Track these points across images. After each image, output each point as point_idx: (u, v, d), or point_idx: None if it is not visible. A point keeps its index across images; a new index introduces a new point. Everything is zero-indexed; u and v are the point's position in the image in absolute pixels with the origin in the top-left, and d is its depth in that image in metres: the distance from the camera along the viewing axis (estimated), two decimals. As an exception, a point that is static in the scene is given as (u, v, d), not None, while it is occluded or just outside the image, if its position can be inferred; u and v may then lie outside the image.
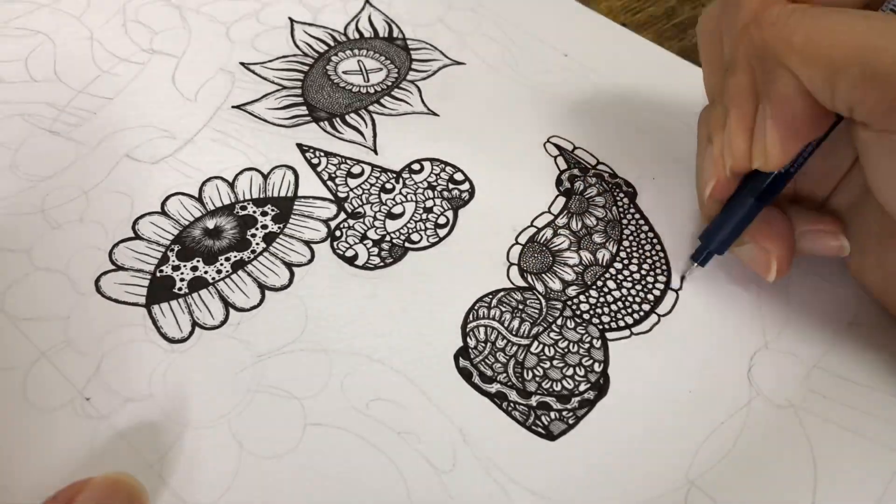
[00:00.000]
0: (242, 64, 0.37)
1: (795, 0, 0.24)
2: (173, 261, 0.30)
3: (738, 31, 0.25)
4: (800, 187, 0.30)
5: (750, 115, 0.25)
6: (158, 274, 0.29)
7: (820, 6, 0.23)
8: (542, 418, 0.27)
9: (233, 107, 0.35)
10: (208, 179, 0.32)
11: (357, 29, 0.40)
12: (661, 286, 0.31)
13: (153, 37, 0.38)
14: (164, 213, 0.31)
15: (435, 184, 0.33)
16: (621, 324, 0.29)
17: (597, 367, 0.28)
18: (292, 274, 0.30)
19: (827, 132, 0.26)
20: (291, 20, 0.40)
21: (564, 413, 0.27)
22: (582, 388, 0.28)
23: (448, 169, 0.34)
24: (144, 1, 0.40)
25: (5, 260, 0.29)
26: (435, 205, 0.32)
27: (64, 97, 0.35)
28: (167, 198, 0.31)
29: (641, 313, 0.30)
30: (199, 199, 0.32)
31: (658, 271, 0.31)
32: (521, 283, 0.30)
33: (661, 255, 0.32)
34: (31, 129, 0.33)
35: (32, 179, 0.32)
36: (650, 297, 0.30)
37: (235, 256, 0.30)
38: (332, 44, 0.39)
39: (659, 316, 0.30)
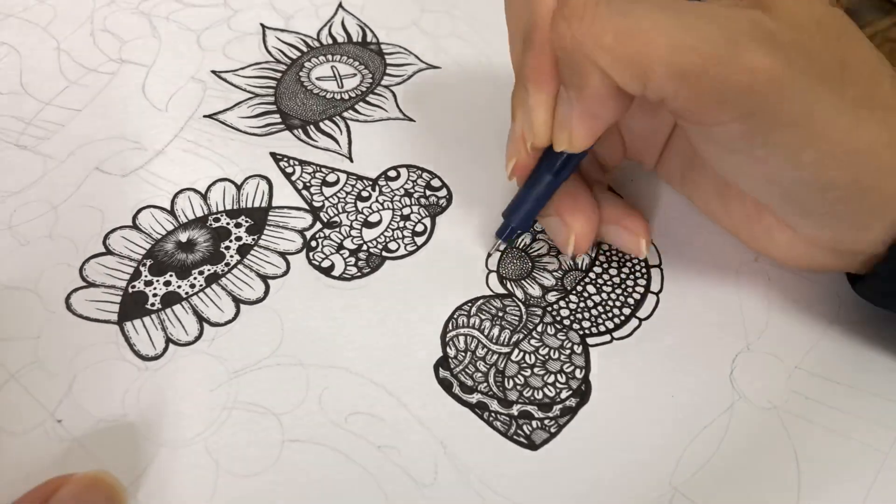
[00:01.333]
0: (214, 72, 0.37)
1: None
2: (146, 276, 0.29)
3: (539, 10, 0.24)
4: (629, 150, 0.31)
5: (550, 97, 0.25)
6: (131, 290, 0.29)
7: None
8: (524, 427, 0.26)
9: (204, 116, 0.35)
10: (180, 191, 0.32)
11: (330, 34, 0.39)
12: (641, 290, 0.30)
13: (122, 46, 0.37)
14: (135, 226, 0.30)
15: (412, 191, 0.33)
16: (602, 329, 0.29)
17: (578, 374, 0.28)
18: (267, 286, 0.29)
19: None
20: (263, 26, 0.39)
21: (546, 422, 0.27)
22: (563, 395, 0.27)
23: (425, 175, 0.33)
24: (113, 9, 0.39)
25: (-28, 279, 0.28)
26: (412, 212, 0.32)
27: (31, 110, 0.34)
28: (138, 211, 0.31)
29: (622, 317, 0.30)
30: (172, 212, 0.31)
31: (638, 275, 0.31)
32: (501, 291, 0.30)
33: (642, 258, 0.31)
34: (-2, 144, 0.33)
35: (0, 195, 0.31)
36: (630, 300, 0.30)
37: (209, 270, 0.29)
38: (304, 50, 0.38)
39: (640, 320, 0.30)
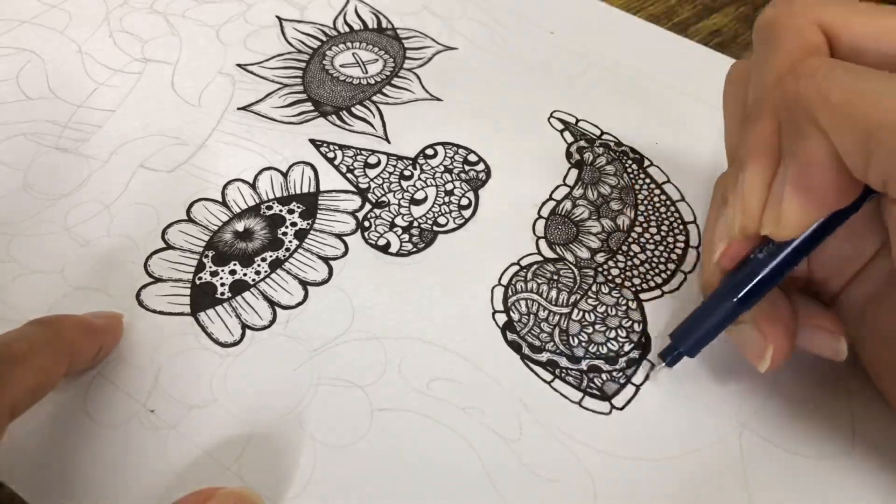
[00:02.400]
0: (239, 65, 0.37)
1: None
2: (210, 266, 0.30)
3: (767, 80, 0.23)
4: (813, 275, 0.27)
5: (769, 171, 0.22)
6: (198, 281, 0.29)
7: (865, 66, 0.21)
8: (595, 380, 0.28)
9: (238, 108, 0.35)
10: (229, 182, 0.32)
11: (346, 22, 0.40)
12: (682, 245, 0.32)
13: (143, 45, 0.37)
14: (190, 220, 0.31)
15: (451, 167, 0.34)
16: (652, 284, 0.31)
17: (637, 328, 0.29)
18: (330, 268, 0.30)
19: (844, 213, 0.23)
20: (280, 18, 0.40)
21: (615, 373, 0.28)
22: (626, 348, 0.29)
23: (461, 151, 0.34)
24: (127, 10, 0.39)
25: (40, 282, 0.29)
26: (455, 187, 0.33)
27: (64, 113, 0.34)
28: (191, 204, 0.31)
29: (668, 272, 0.31)
30: (224, 203, 0.32)
31: (677, 231, 0.32)
32: (552, 255, 0.31)
33: (677, 215, 0.33)
34: (38, 148, 0.33)
35: (50, 198, 0.31)
36: (673, 255, 0.32)
37: (271, 256, 0.30)
38: (323, 39, 0.39)
39: (685, 273, 0.31)
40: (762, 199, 0.22)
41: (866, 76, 0.20)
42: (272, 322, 0.28)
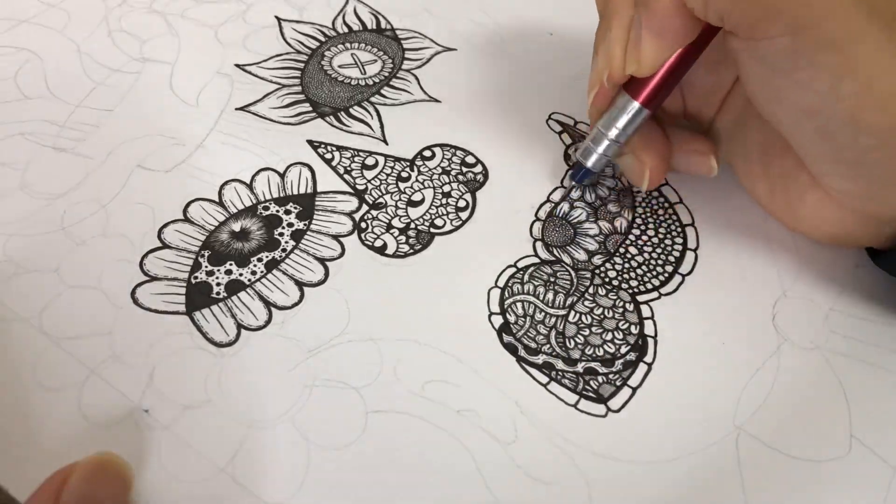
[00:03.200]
0: (238, 65, 0.37)
1: None
2: (206, 266, 0.30)
3: None
4: (688, 107, 0.32)
5: (627, 26, 0.27)
6: (194, 280, 0.29)
7: None
8: (591, 383, 0.28)
9: (236, 109, 0.35)
10: (226, 183, 0.32)
11: (345, 23, 0.40)
12: (680, 248, 0.32)
13: (142, 45, 0.37)
14: (187, 219, 0.31)
15: (449, 168, 0.34)
16: (649, 286, 0.31)
17: (634, 330, 0.29)
18: (326, 269, 0.30)
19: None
20: (278, 18, 0.40)
21: (611, 376, 0.28)
22: (623, 350, 0.29)
23: (459, 153, 0.34)
24: (126, 10, 0.39)
25: (35, 281, 0.29)
26: (453, 189, 0.33)
27: (62, 112, 0.34)
28: (188, 204, 0.31)
29: (666, 275, 0.31)
30: (221, 203, 0.32)
31: (674, 233, 0.32)
32: (548, 257, 0.31)
33: (675, 217, 0.33)
34: (35, 148, 0.33)
35: (47, 197, 0.31)
36: (671, 258, 0.32)
37: (267, 256, 0.30)
38: (322, 39, 0.39)
39: (682, 276, 0.31)
40: (623, 50, 0.27)
41: None
42: (268, 322, 0.28)
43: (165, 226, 0.31)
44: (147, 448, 0.25)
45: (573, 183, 0.32)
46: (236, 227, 0.31)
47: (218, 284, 0.29)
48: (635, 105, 0.29)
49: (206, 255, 0.30)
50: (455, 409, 0.27)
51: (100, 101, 0.35)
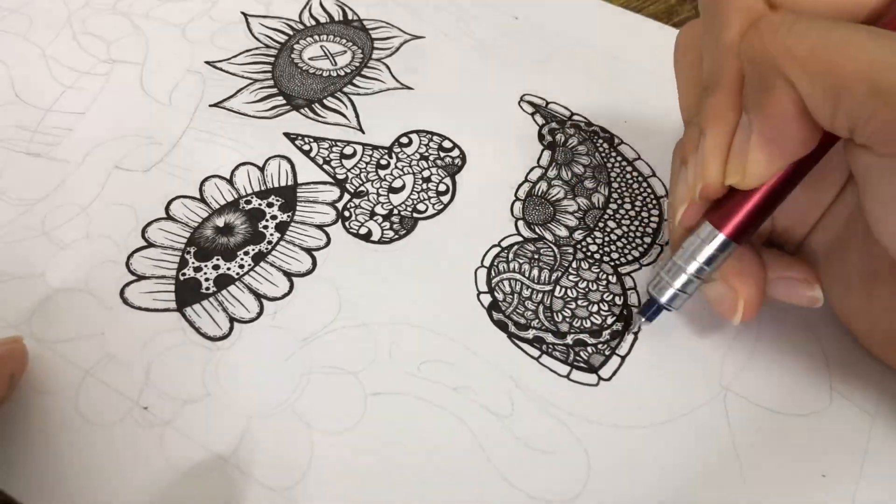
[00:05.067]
0: (208, 62, 0.37)
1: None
2: (193, 262, 0.30)
3: (721, 47, 0.23)
4: (777, 224, 0.28)
5: (728, 133, 0.23)
6: (182, 277, 0.29)
7: (824, 18, 0.21)
8: (581, 354, 0.29)
9: (210, 105, 0.35)
10: (206, 179, 0.32)
11: (311, 15, 0.40)
12: (656, 219, 0.33)
13: (109, 46, 0.37)
14: (170, 217, 0.31)
15: (426, 154, 0.34)
16: (629, 258, 0.31)
17: (618, 300, 0.30)
18: (314, 258, 0.30)
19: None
20: (245, 14, 0.39)
21: (600, 346, 0.29)
22: (609, 321, 0.30)
23: (435, 138, 0.35)
24: (89, 12, 0.39)
25: (21, 287, 0.28)
26: (432, 174, 0.33)
27: (33, 118, 0.34)
28: (169, 202, 0.31)
29: (645, 246, 0.32)
30: (202, 199, 0.32)
31: (650, 206, 0.33)
32: (531, 235, 0.32)
33: (649, 190, 0.34)
34: (8, 154, 0.32)
35: (25, 203, 0.31)
36: (648, 230, 0.32)
37: (254, 249, 0.30)
38: (290, 33, 0.39)
39: (661, 246, 0.32)
40: (723, 159, 0.24)
41: (830, 27, 0.21)
42: (259, 314, 0.28)
43: (149, 224, 0.31)
44: (150, 444, 0.25)
45: (642, 319, 0.28)
46: (220, 222, 0.31)
47: (206, 280, 0.29)
48: (720, 237, 0.25)
49: (192, 251, 0.30)
50: (451, 386, 0.27)
51: (70, 105, 0.34)
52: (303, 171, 0.33)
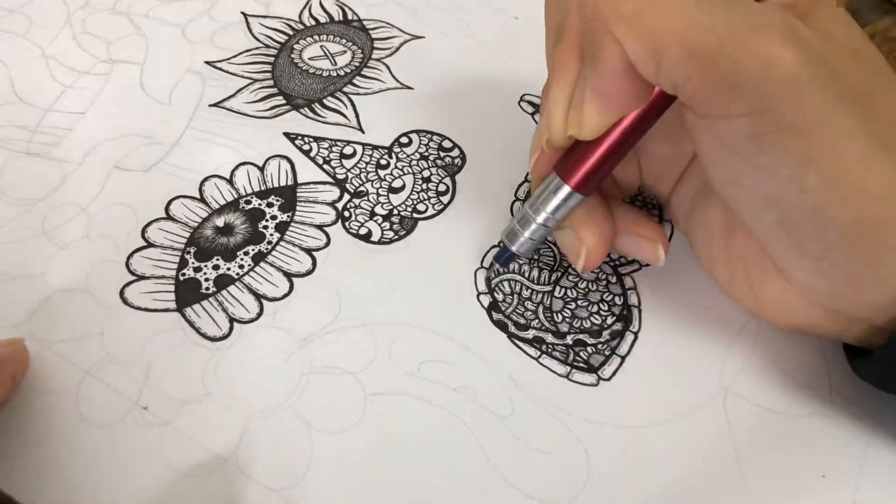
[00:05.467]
0: (208, 62, 0.37)
1: None
2: (193, 262, 0.30)
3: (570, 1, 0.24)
4: (645, 178, 0.30)
5: (570, 85, 0.24)
6: (182, 277, 0.29)
7: None
8: (581, 354, 0.29)
9: (210, 105, 0.35)
10: (206, 179, 0.32)
11: (311, 16, 0.40)
12: (656, 219, 0.33)
13: (109, 46, 0.37)
14: (170, 217, 0.31)
15: (426, 154, 0.34)
16: (629, 257, 0.31)
17: (618, 301, 0.30)
18: (314, 258, 0.30)
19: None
20: (245, 14, 0.39)
21: (600, 346, 0.29)
22: (609, 321, 0.30)
23: (435, 138, 0.35)
24: (89, 12, 0.39)
25: (21, 288, 0.28)
26: (432, 174, 0.33)
27: (33, 118, 0.34)
28: (169, 202, 0.31)
29: (645, 246, 0.32)
30: (202, 199, 0.32)
31: (650, 206, 0.33)
32: (531, 235, 0.32)
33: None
34: (8, 154, 0.32)
35: (25, 203, 0.31)
36: (649, 230, 0.32)
37: (253, 249, 0.30)
38: (290, 33, 0.39)
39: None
40: (565, 110, 0.24)
41: None
42: (259, 314, 0.28)
43: (149, 224, 0.31)
44: (149, 444, 0.25)
45: (497, 266, 0.30)
46: (220, 222, 0.31)
47: (206, 280, 0.29)
48: (566, 189, 0.26)
49: (192, 251, 0.30)
50: (451, 386, 0.27)
51: (70, 105, 0.34)
52: (303, 171, 0.33)
